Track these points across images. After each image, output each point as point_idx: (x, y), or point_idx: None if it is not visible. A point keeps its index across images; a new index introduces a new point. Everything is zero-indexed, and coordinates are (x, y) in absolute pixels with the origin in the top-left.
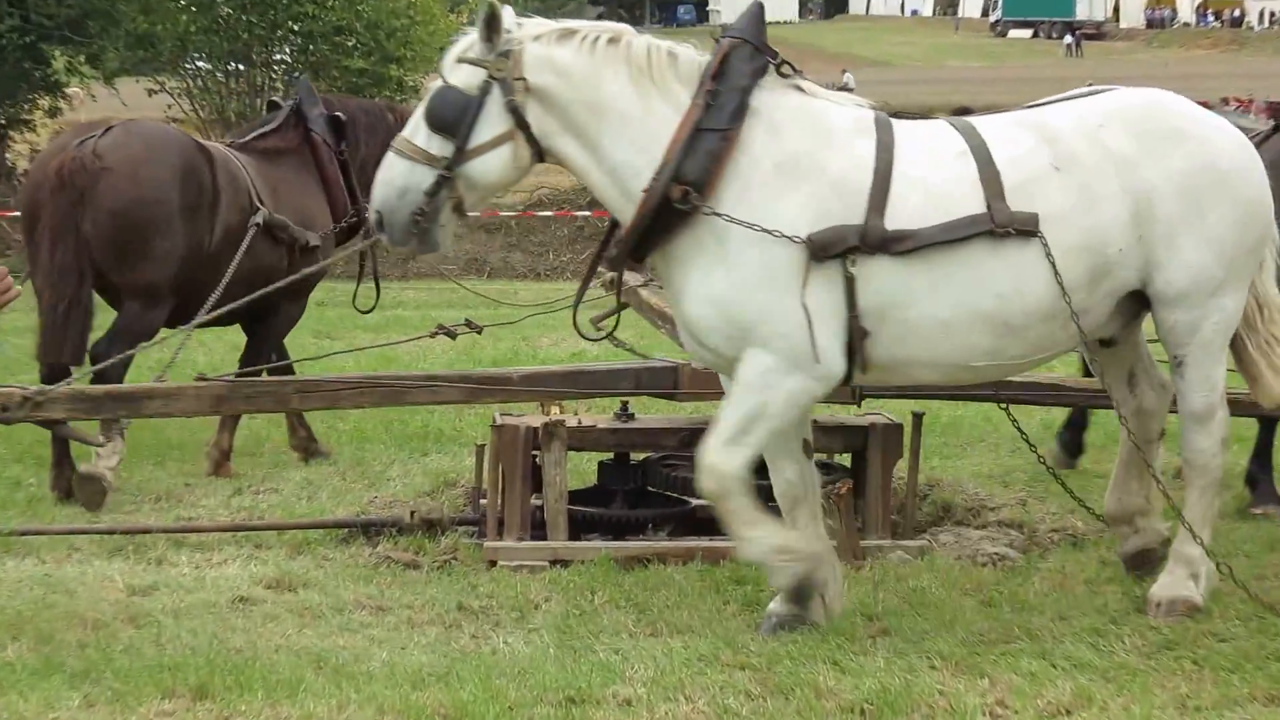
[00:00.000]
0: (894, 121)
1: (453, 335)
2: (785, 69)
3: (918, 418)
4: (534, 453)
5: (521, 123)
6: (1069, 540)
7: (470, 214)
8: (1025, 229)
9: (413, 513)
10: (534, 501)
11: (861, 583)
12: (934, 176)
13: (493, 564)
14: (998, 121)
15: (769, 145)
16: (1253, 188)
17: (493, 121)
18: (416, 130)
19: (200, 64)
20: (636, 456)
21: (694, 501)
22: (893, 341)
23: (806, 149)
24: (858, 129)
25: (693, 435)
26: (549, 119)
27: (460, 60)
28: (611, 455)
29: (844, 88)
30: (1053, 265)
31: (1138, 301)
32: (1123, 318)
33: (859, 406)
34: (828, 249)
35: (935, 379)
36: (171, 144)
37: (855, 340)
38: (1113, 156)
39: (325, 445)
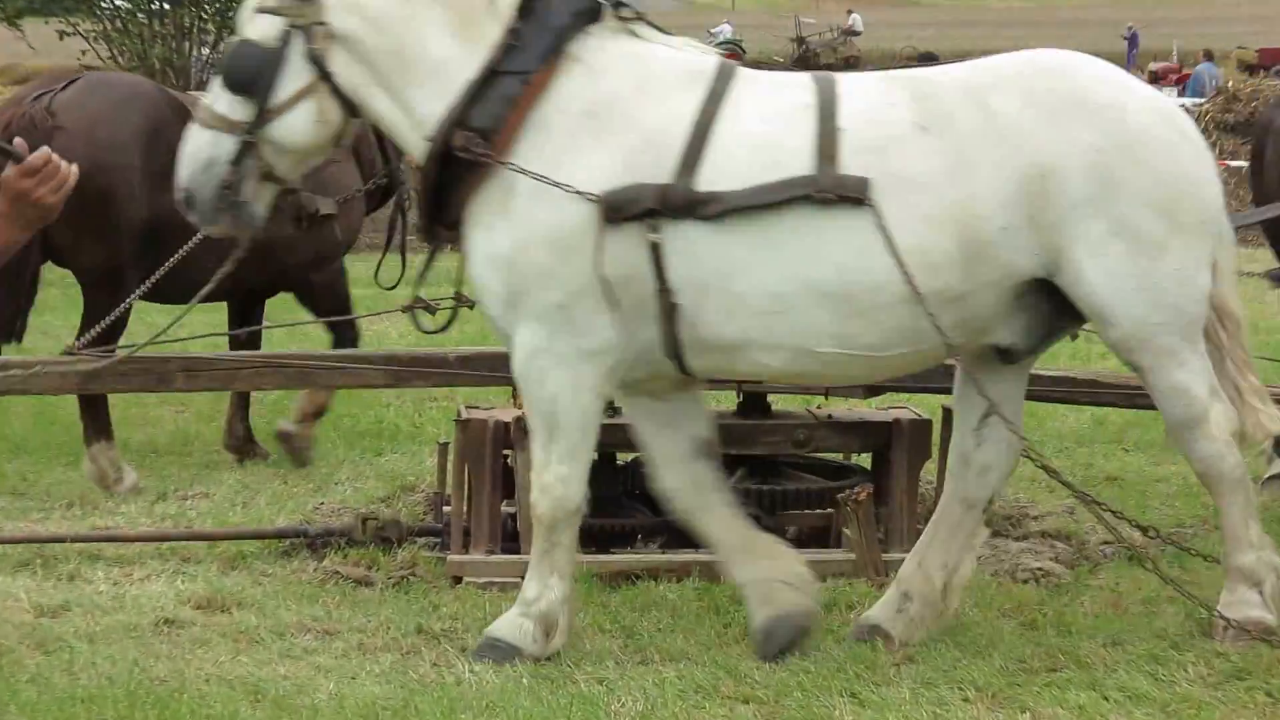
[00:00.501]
0: (743, 72)
1: (431, 310)
2: (625, 12)
3: (948, 412)
4: (505, 452)
5: (324, 74)
6: (1123, 554)
7: (290, 183)
8: (853, 195)
9: (365, 521)
10: (505, 509)
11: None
12: (763, 134)
13: (457, 580)
14: (873, 76)
15: (582, 93)
16: (1183, 167)
17: (294, 75)
18: (217, 95)
19: (119, 2)
20: (623, 457)
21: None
22: (720, 318)
23: (622, 98)
24: (688, 78)
25: None
26: (356, 69)
27: (258, 10)
28: (594, 455)
29: (849, 31)
30: (887, 237)
31: (1054, 306)
32: (1028, 322)
33: (866, 401)
34: (622, 210)
35: (778, 366)
36: (137, 99)
37: (668, 318)
38: (998, 122)
39: (264, 446)
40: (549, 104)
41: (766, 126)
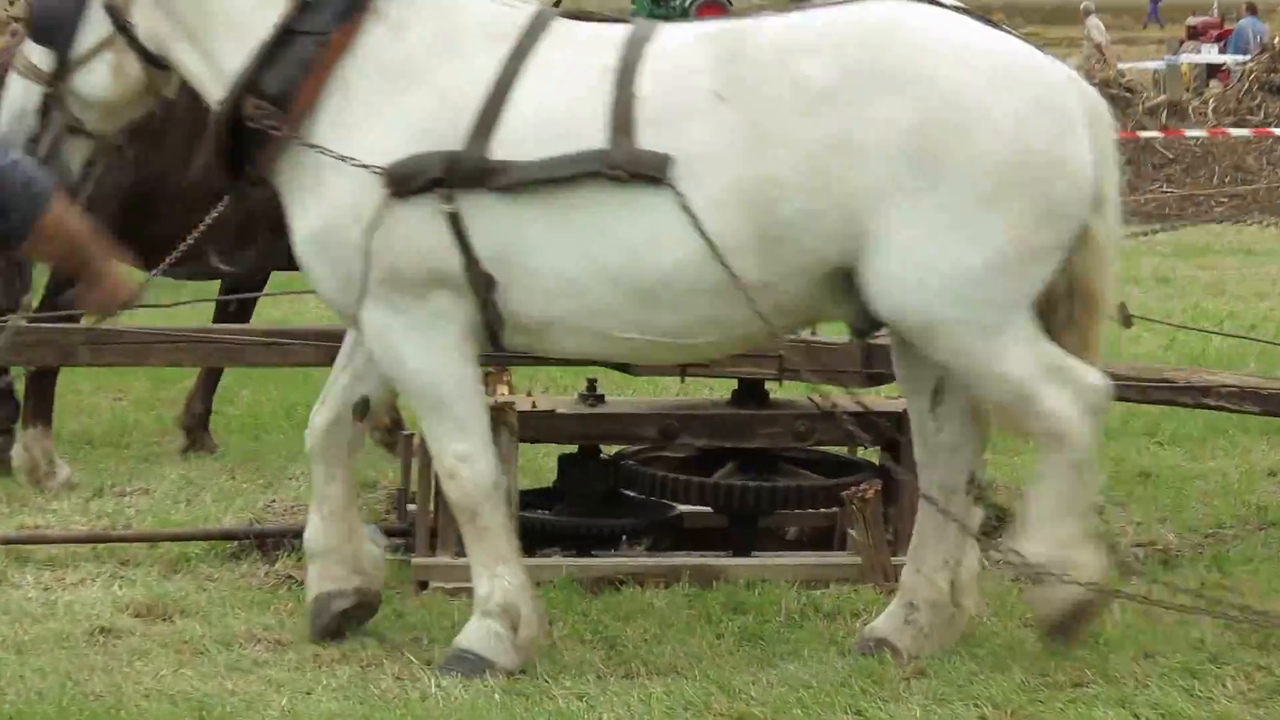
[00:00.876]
0: (558, 26)
1: None
2: None
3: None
4: None
5: (121, 25)
6: (1157, 557)
7: (104, 137)
8: (648, 172)
9: None
10: None
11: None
12: (560, 99)
13: (423, 586)
14: (692, 31)
15: (382, 52)
16: (1025, 146)
17: (95, 25)
18: (31, 43)
19: None
20: (607, 450)
21: (680, 508)
22: (523, 296)
23: (421, 54)
24: (496, 33)
25: (680, 423)
26: (158, 20)
27: None
28: (575, 448)
29: None
30: (693, 220)
31: None
32: (859, 305)
33: (874, 389)
34: (408, 182)
35: (586, 349)
36: None
37: (482, 290)
38: (805, 90)
39: (214, 439)
40: (349, 66)
41: (563, 91)
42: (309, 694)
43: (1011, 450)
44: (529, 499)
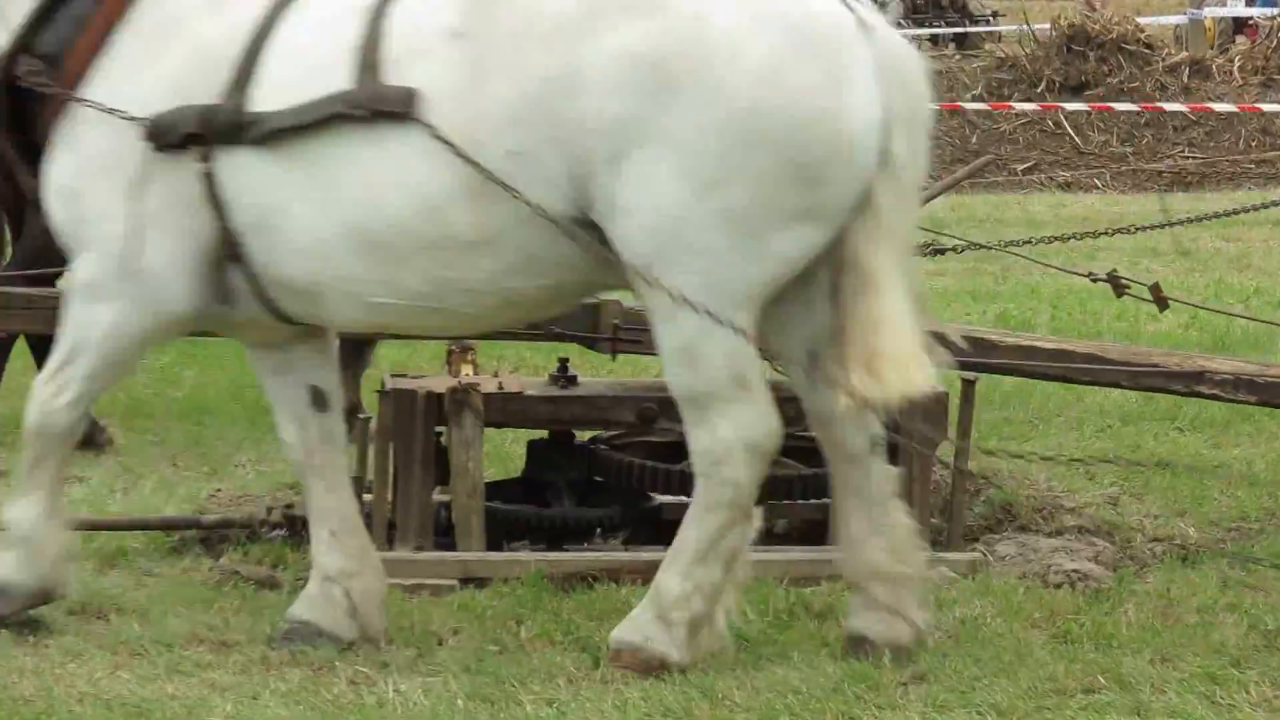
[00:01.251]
0: None
1: None
2: None
3: (969, 385)
4: (438, 430)
5: None
6: (1176, 553)
7: None
8: (391, 110)
9: (270, 511)
10: (438, 497)
11: None
12: (315, 45)
13: None
14: None
15: (156, 7)
16: (783, 92)
17: None
18: None
19: None
20: (580, 435)
21: (658, 499)
22: (283, 259)
23: (189, 10)
24: None
25: (659, 406)
26: None
27: None
28: (545, 433)
29: None
30: (414, 164)
31: None
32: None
33: None
34: (165, 136)
35: (353, 318)
36: None
37: (239, 258)
38: (540, 21)
39: (106, 434)
40: (125, 23)
41: (319, 36)
42: (255, 699)
43: (1020, 437)
44: (495, 488)
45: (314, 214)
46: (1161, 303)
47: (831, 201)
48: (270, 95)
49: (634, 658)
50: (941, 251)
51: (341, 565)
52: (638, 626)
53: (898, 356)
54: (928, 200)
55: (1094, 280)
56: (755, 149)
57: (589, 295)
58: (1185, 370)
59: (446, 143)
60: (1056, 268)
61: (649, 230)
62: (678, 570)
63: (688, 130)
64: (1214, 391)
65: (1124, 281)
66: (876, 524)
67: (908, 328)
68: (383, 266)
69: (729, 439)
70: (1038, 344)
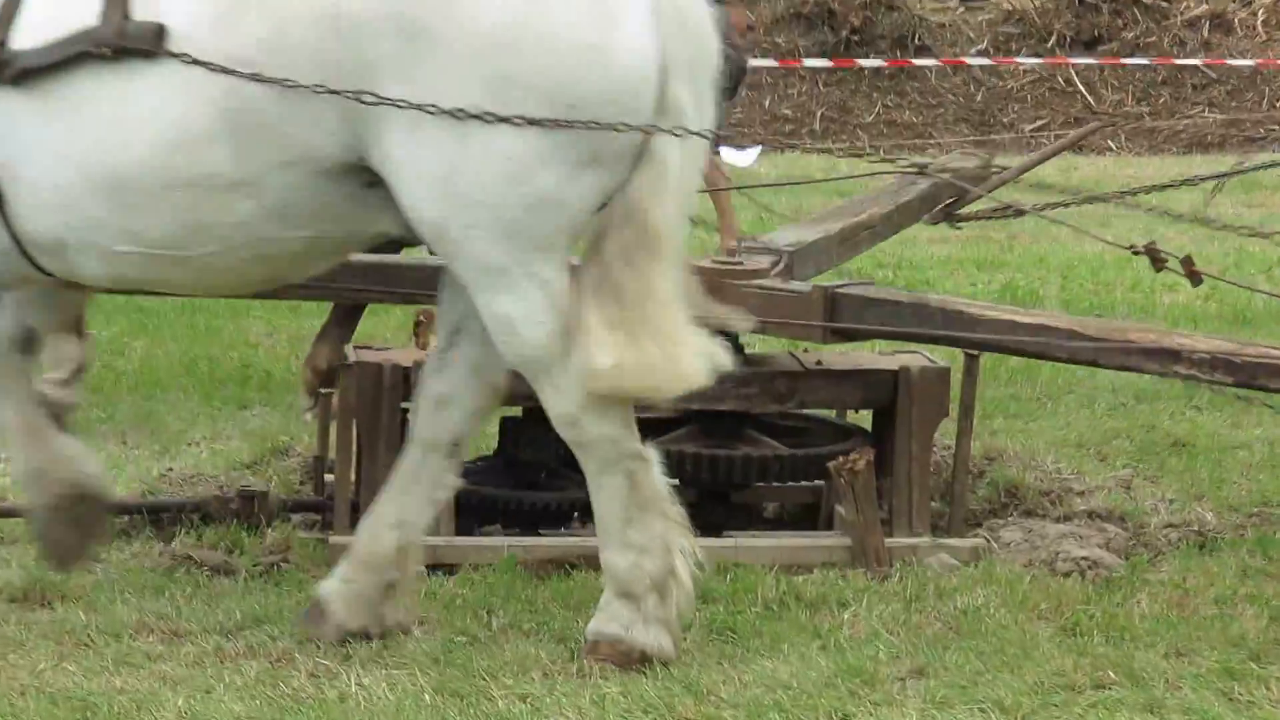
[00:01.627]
0: None
1: None
2: None
3: (972, 359)
4: (404, 405)
5: None
6: (1193, 540)
7: None
8: (137, 46)
9: (223, 492)
10: None
11: (887, 599)
12: None
13: None
14: None
15: None
16: (537, 25)
17: None
18: None
19: None
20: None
21: None
22: (31, 211)
23: None
24: None
25: None
26: None
27: None
28: (519, 410)
29: None
30: (166, 101)
31: None
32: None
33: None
34: None
35: (88, 271)
36: None
37: None
38: None
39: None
40: None
41: None
42: (209, 693)
43: (1027, 416)
44: (465, 469)
45: (57, 158)
46: (1194, 277)
47: (608, 150)
48: (28, 34)
49: (613, 649)
50: (1022, 212)
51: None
52: (613, 615)
53: (668, 331)
54: (1034, 165)
55: (1135, 253)
56: (518, 90)
57: (350, 252)
58: (1161, 348)
59: (210, 67)
60: (1095, 235)
61: (428, 182)
62: (614, 547)
63: (446, 73)
64: (1190, 372)
65: (1163, 255)
66: (408, 520)
67: (681, 301)
68: (127, 211)
69: (574, 395)
70: (1017, 318)
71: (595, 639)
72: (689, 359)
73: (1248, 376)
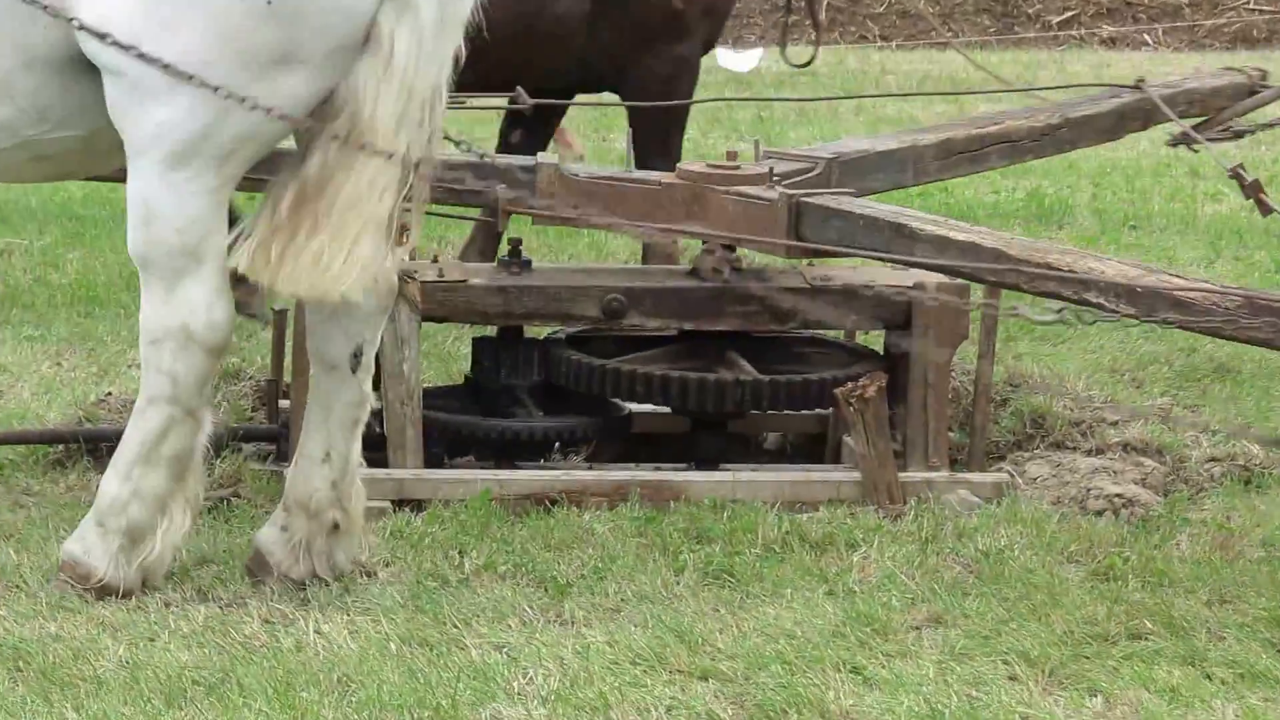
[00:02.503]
0: None
1: None
2: None
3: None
4: None
5: None
6: (1237, 475)
7: None
8: None
9: None
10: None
11: (900, 540)
12: None
13: None
14: None
15: None
16: None
17: None
18: None
19: None
20: (534, 332)
21: (628, 407)
22: None
23: None
24: None
25: (627, 298)
26: None
27: None
28: (494, 330)
29: None
30: None
31: None
32: None
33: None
34: None
35: None
36: None
37: None
38: None
39: None
40: None
41: None
42: (153, 641)
43: (1055, 338)
44: (435, 395)
45: None
46: (1263, 207)
47: (313, 42)
48: None
49: (73, 571)
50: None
51: None
52: (81, 536)
53: (337, 230)
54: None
55: (1231, 176)
56: None
57: None
58: (1076, 276)
59: None
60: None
61: (113, 79)
62: (118, 472)
63: None
64: (1100, 300)
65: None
66: (336, 450)
67: (374, 212)
68: None
69: (167, 318)
70: (952, 235)
71: (64, 558)
72: (346, 264)
73: (1147, 309)
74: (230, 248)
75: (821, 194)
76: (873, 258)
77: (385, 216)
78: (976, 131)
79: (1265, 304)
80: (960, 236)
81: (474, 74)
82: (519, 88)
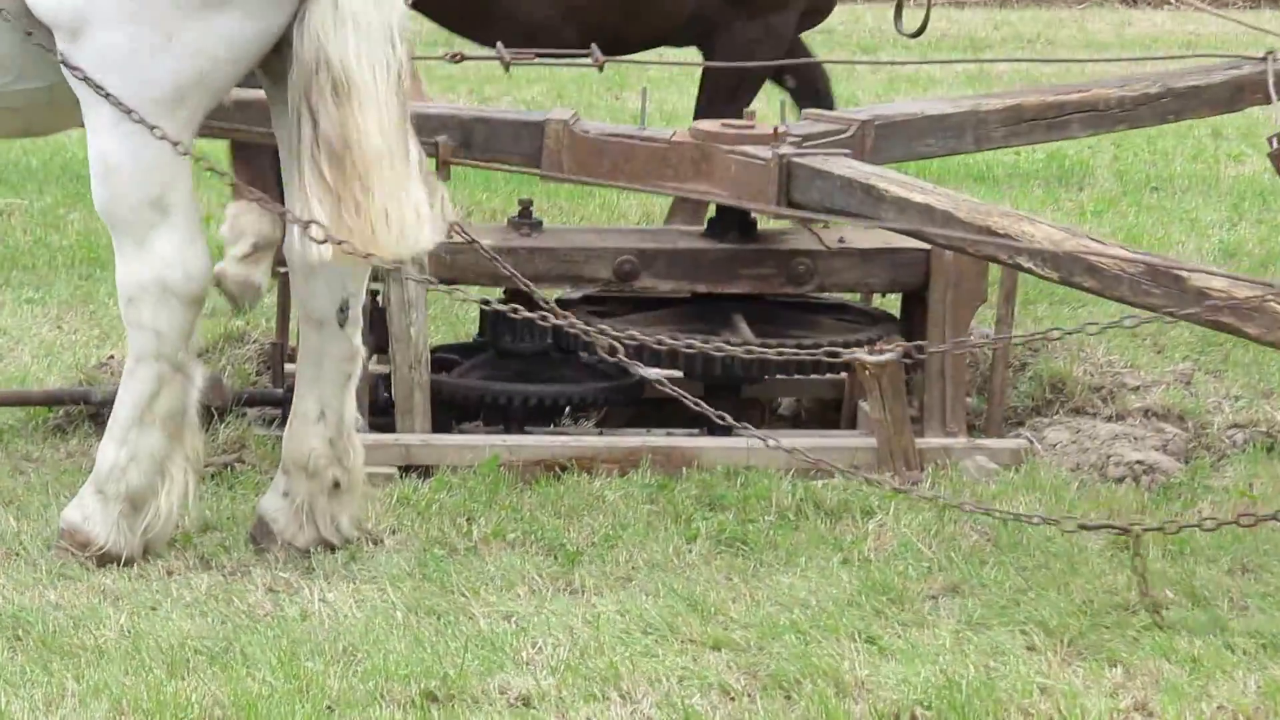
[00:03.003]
0: None
1: None
2: None
3: None
4: (373, 286)
5: None
6: (1260, 442)
7: None
8: None
9: None
10: (374, 368)
11: (916, 509)
12: None
13: None
14: None
15: None
16: None
17: None
18: None
19: None
20: (546, 295)
21: (640, 371)
22: None
23: None
24: None
25: (639, 260)
26: None
27: None
28: (502, 292)
29: None
30: None
31: None
32: None
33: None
34: None
35: None
36: None
37: None
38: None
39: None
40: None
41: None
42: (154, 610)
43: (1075, 301)
44: (443, 358)
45: None
46: None
47: None
48: None
49: (73, 538)
50: None
51: None
52: (81, 504)
53: (386, 187)
54: None
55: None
56: None
57: None
58: (1010, 243)
59: None
60: None
61: (50, 14)
62: (114, 437)
63: None
64: (1030, 265)
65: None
66: (331, 409)
67: (400, 154)
68: None
69: (140, 274)
70: (911, 196)
71: (63, 525)
72: (404, 217)
73: (1066, 273)
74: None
75: (813, 154)
76: (844, 218)
77: (408, 154)
78: (1055, 99)
79: (1164, 271)
80: (919, 199)
81: (576, 33)
82: (594, 45)
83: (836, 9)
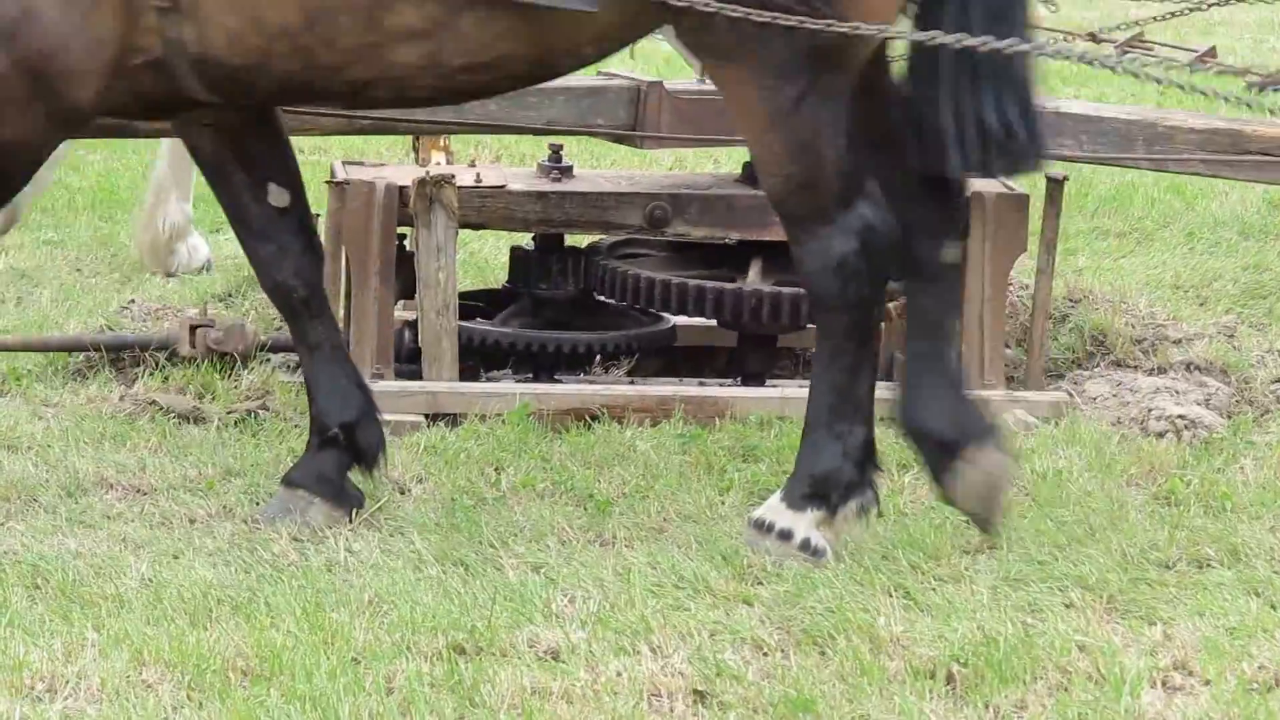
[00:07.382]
0: None
1: None
2: None
3: (1055, 185)
4: (401, 231)
5: None
6: None
7: None
8: None
9: (194, 329)
10: (401, 314)
11: None
12: None
13: None
14: None
15: None
16: None
17: None
18: None
19: None
20: (576, 240)
21: (672, 320)
22: None
23: None
24: None
25: (672, 205)
26: None
27: None
28: (533, 238)
29: None
30: None
31: None
32: None
33: None
34: None
35: None
36: None
37: None
38: None
39: None
40: None
41: None
42: (176, 558)
43: (1116, 252)
44: (472, 304)
45: None
46: None
47: None
48: None
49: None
50: None
51: None
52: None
53: None
54: None
55: None
56: None
57: None
58: None
59: None
60: None
61: None
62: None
63: None
64: None
65: None
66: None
67: None
68: None
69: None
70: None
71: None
72: None
73: None
74: None
75: None
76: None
77: None
78: None
79: None
80: None
81: None
82: None
83: None
